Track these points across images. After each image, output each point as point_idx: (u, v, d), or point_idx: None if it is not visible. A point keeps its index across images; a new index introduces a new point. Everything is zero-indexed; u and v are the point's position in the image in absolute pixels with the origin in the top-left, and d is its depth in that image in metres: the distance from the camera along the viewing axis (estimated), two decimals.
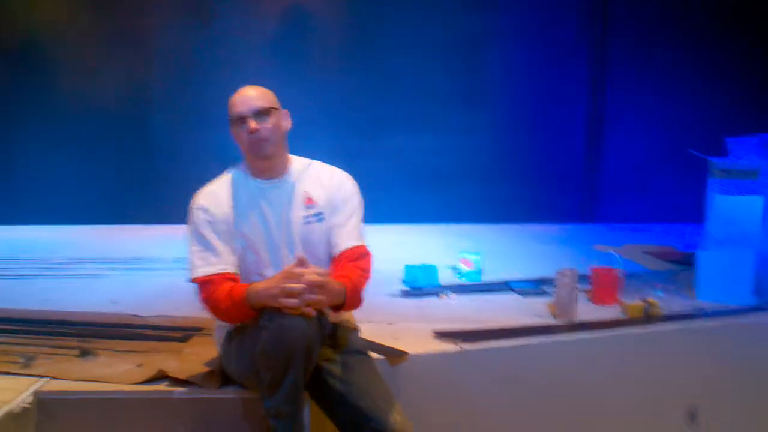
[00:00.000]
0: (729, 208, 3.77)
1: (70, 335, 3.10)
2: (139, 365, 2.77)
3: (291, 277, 2.22)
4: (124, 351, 2.93)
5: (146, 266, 4.66)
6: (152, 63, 6.51)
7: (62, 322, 3.27)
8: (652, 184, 6.62)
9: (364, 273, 2.49)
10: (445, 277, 4.16)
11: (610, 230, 6.18)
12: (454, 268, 4.29)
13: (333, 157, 2.68)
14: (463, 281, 4.15)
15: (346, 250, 2.49)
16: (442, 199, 6.42)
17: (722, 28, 6.46)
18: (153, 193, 6.46)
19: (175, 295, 3.87)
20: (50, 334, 3.12)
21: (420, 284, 3.97)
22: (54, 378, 2.64)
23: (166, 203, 6.36)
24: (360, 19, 6.55)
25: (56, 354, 2.89)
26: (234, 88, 6.68)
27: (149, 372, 2.66)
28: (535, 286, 3.97)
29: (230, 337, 2.50)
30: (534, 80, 6.58)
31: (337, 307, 2.37)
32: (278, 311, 2.22)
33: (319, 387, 2.41)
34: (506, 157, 6.51)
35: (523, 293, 3.88)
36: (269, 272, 2.44)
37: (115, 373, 2.69)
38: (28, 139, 6.42)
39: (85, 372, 2.69)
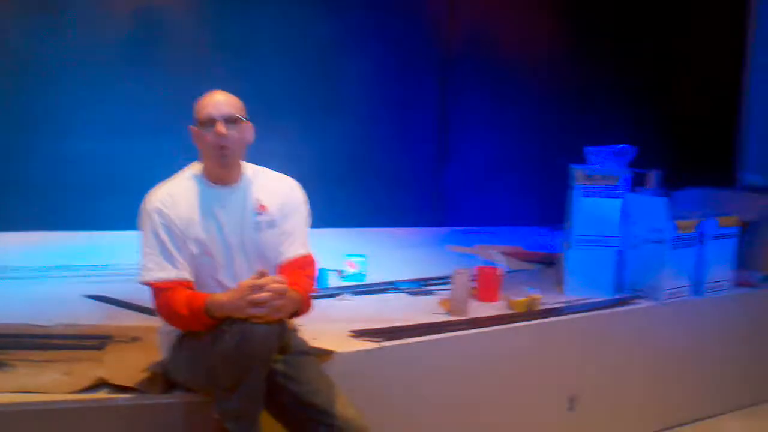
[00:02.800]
0: (591, 211, 4.17)
1: None
2: (66, 374, 2.70)
3: (255, 287, 2.29)
4: (41, 361, 2.83)
5: (15, 275, 4.40)
6: None
7: None
8: (493, 190, 7.06)
9: (311, 280, 2.61)
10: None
11: (457, 233, 6.54)
12: (337, 270, 4.41)
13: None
14: (348, 283, 4.28)
15: (294, 259, 2.60)
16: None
17: (566, 44, 7.07)
18: None
19: (61, 304, 3.73)
20: None
21: None
22: None
23: (8, 209, 6.04)
24: (215, 21, 6.49)
25: None
26: (76, 88, 6.36)
27: (86, 380, 2.61)
28: (420, 286, 4.20)
29: (180, 342, 2.51)
30: (386, 88, 6.83)
31: (293, 314, 2.46)
32: (242, 320, 2.28)
33: (269, 389, 2.48)
34: (361, 162, 6.72)
35: (411, 292, 4.09)
36: (222, 275, 2.50)
37: (46, 382, 2.61)
38: None
39: (11, 383, 2.59)
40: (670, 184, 4.71)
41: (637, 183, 4.57)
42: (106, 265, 4.60)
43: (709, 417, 4.36)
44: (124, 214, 5.78)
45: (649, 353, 4.05)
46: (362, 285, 4.21)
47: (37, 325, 3.28)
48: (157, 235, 2.45)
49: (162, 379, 2.61)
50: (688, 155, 6.86)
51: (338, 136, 6.66)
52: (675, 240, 4.02)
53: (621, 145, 4.20)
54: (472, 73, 6.94)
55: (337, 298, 3.93)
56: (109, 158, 6.10)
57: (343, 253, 4.48)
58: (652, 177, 4.70)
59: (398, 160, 6.84)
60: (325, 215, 6.41)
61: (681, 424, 4.22)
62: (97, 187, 6.01)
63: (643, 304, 4.06)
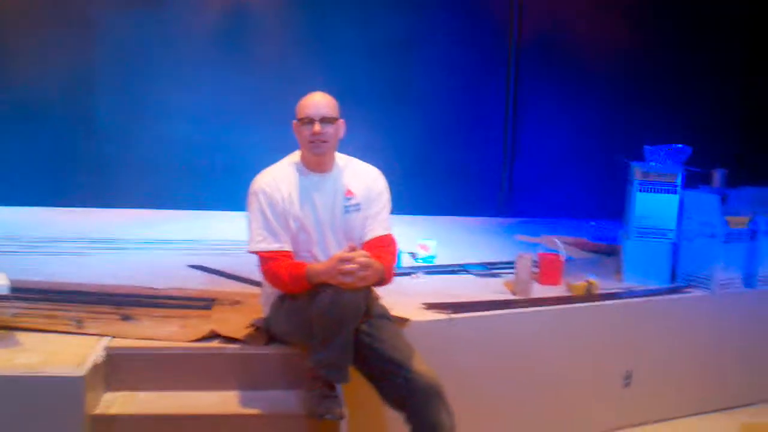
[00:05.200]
0: (649, 205, 4.47)
1: (103, 303, 3.44)
2: (182, 327, 3.17)
3: (345, 259, 2.70)
4: (160, 317, 3.31)
5: (123, 246, 4.94)
6: (98, 48, 6.65)
7: (88, 293, 3.60)
8: (559, 183, 7.37)
9: (394, 257, 3.02)
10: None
11: (524, 223, 6.87)
12: (410, 253, 4.81)
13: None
14: (420, 264, 4.68)
15: (378, 237, 3.01)
16: None
17: (634, 41, 7.33)
18: (97, 177, 6.65)
19: (166, 271, 4.26)
20: (84, 302, 3.44)
21: None
22: (114, 337, 3.01)
23: (111, 188, 6.64)
24: (300, 17, 6.97)
25: (99, 319, 3.23)
26: (178, 77, 6.91)
27: (200, 332, 3.07)
28: (486, 269, 4.57)
29: (281, 301, 2.95)
30: (457, 83, 7.22)
31: (377, 283, 2.87)
32: (333, 285, 2.70)
33: (356, 346, 2.88)
34: (433, 154, 7.12)
35: (478, 274, 4.47)
36: (315, 249, 2.94)
37: (166, 333, 3.08)
38: None
39: (139, 332, 3.08)
40: (734, 183, 4.95)
41: (703, 181, 4.83)
42: (205, 240, 5.12)
43: (759, 403, 4.60)
44: (217, 195, 6.36)
45: (702, 338, 4.34)
46: (434, 266, 4.60)
47: (153, 288, 3.78)
48: (263, 213, 2.89)
49: (264, 333, 3.06)
50: (752, 154, 7.04)
51: (413, 129, 7.08)
52: (727, 235, 4.29)
53: (677, 145, 4.47)
54: (540, 68, 7.27)
55: (411, 276, 4.32)
56: (207, 143, 6.69)
57: (417, 237, 4.88)
58: (717, 175, 4.95)
59: (468, 152, 7.22)
60: (399, 202, 6.92)
61: (731, 407, 4.49)
62: (195, 169, 6.62)
63: (696, 293, 4.34)
